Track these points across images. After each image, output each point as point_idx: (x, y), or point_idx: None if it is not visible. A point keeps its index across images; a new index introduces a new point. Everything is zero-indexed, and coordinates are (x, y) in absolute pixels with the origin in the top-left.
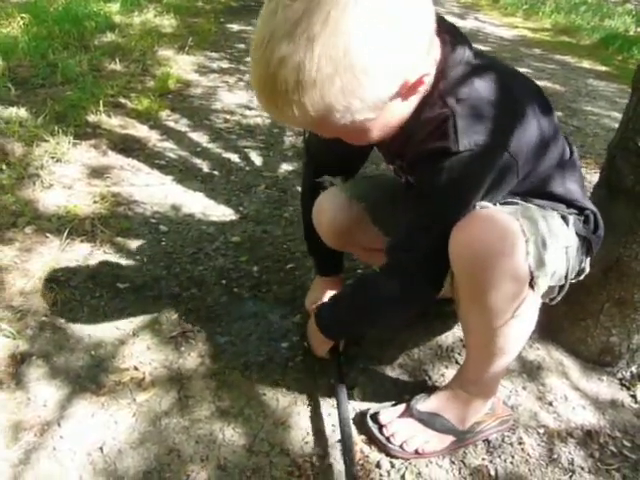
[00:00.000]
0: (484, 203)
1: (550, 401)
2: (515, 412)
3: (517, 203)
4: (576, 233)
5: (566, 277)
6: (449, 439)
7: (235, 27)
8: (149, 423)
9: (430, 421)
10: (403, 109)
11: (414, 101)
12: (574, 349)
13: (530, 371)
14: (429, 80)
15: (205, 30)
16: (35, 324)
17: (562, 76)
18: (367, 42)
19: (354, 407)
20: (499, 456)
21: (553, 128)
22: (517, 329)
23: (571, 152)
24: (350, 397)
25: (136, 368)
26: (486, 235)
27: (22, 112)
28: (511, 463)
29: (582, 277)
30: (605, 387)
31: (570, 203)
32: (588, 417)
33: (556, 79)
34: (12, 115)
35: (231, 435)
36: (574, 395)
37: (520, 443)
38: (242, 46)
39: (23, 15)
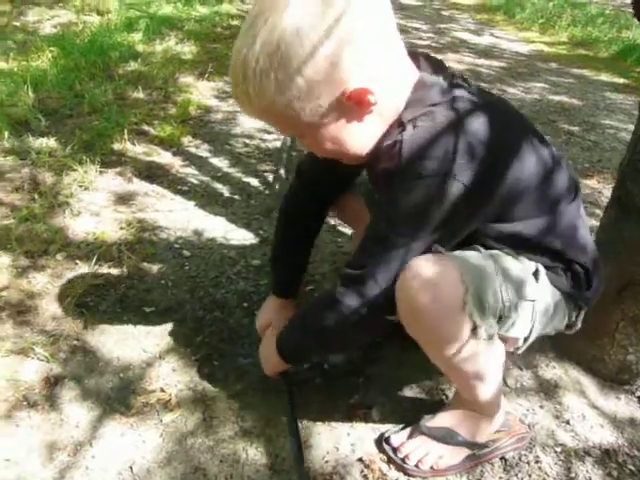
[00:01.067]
0: (437, 247)
1: (567, 420)
2: (532, 430)
3: (479, 250)
4: (557, 288)
5: (531, 330)
6: (463, 453)
7: None
8: (175, 443)
9: (441, 435)
10: (358, 129)
11: (373, 124)
12: (591, 368)
13: (547, 390)
14: (385, 104)
15: (224, 56)
16: (67, 348)
17: (579, 90)
18: (302, 43)
19: (373, 427)
20: (516, 475)
21: (542, 170)
22: (475, 370)
23: (575, 196)
24: (369, 417)
25: (162, 390)
26: (425, 292)
27: (52, 142)
28: None
29: (573, 331)
30: (623, 405)
31: (557, 255)
32: (606, 436)
33: (573, 93)
34: (43, 145)
35: (254, 454)
36: (592, 413)
37: (537, 462)
38: None
39: (52, 48)
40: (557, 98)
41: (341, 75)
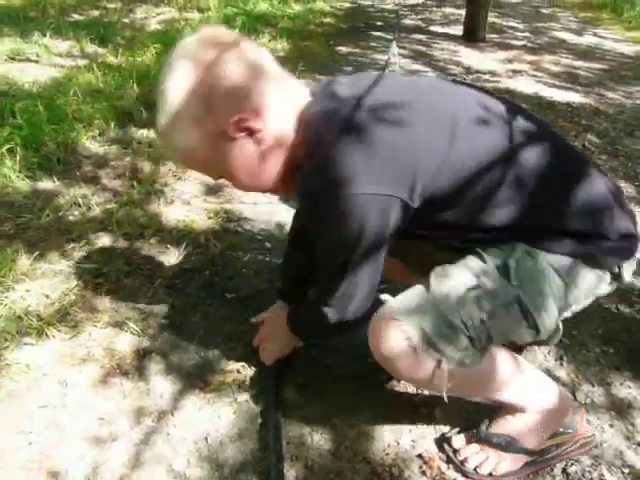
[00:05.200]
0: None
1: (639, 442)
2: (599, 449)
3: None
4: (566, 254)
5: (534, 320)
6: (522, 460)
7: (344, 49)
8: (247, 421)
9: (499, 443)
10: (256, 161)
11: (272, 158)
12: None
13: (620, 409)
14: (273, 134)
15: (315, 53)
16: (156, 324)
17: None
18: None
19: (435, 426)
20: None
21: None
22: (476, 389)
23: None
24: (431, 415)
25: (238, 371)
26: (384, 350)
27: (151, 133)
28: None
29: (623, 284)
30: None
31: (540, 228)
32: None
33: None
34: (143, 136)
35: (319, 439)
36: None
37: None
38: (349, 68)
39: (156, 45)
40: None
41: (221, 111)
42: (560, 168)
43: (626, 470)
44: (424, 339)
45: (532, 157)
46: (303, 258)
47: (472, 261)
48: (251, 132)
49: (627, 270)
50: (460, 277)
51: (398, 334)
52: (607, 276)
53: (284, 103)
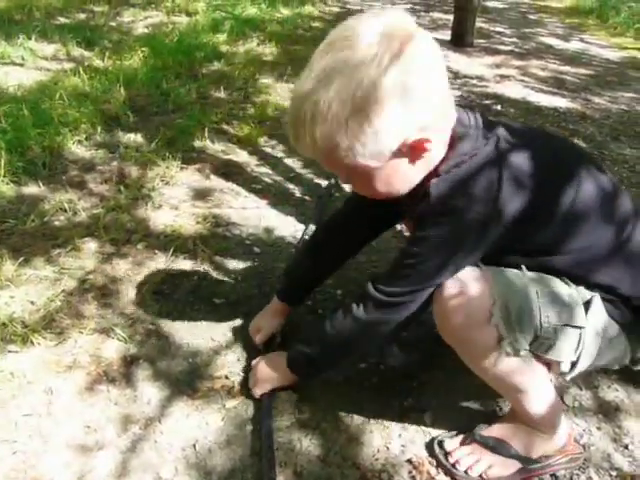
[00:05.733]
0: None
1: (626, 444)
2: (587, 451)
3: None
4: (616, 321)
5: (578, 358)
6: (514, 466)
7: None
8: (236, 427)
9: (493, 446)
10: (408, 172)
11: (421, 168)
12: None
13: (607, 412)
14: (435, 151)
15: (304, 58)
16: (143, 331)
17: None
18: (376, 95)
19: (424, 430)
20: None
21: (601, 194)
22: (514, 385)
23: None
24: (421, 420)
25: (227, 377)
26: (457, 307)
27: (138, 138)
28: None
29: (638, 367)
30: None
31: (610, 290)
32: None
33: None
34: (130, 140)
35: (308, 445)
36: None
37: None
38: None
39: (143, 48)
40: None
41: (405, 125)
42: None
43: (613, 473)
44: (504, 312)
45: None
46: (314, 264)
47: (562, 280)
48: (422, 149)
49: None
50: (555, 281)
51: (485, 293)
52: (628, 357)
53: (447, 119)
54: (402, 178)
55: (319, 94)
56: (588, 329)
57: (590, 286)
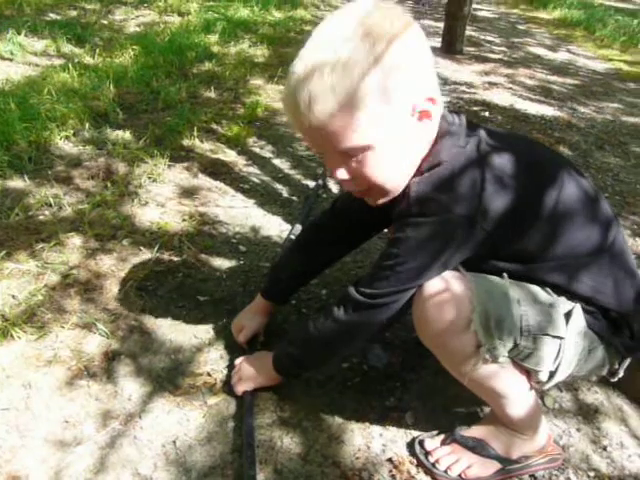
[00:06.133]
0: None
1: (604, 446)
2: (566, 452)
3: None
4: (595, 332)
5: (557, 368)
6: (494, 466)
7: None
8: (217, 424)
9: (473, 446)
10: (403, 156)
11: (415, 152)
12: (636, 397)
13: (586, 414)
14: (430, 134)
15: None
16: (126, 326)
17: None
18: (382, 66)
19: (405, 431)
20: None
21: (584, 196)
22: (492, 390)
23: (613, 242)
24: (402, 420)
25: (209, 374)
26: (436, 311)
27: (127, 135)
28: None
29: (615, 379)
30: None
31: (589, 302)
32: None
33: None
34: (118, 137)
35: (289, 443)
36: (631, 442)
37: None
38: None
39: (134, 47)
40: (632, 120)
41: (414, 91)
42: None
43: (592, 473)
44: (483, 319)
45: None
46: (300, 264)
47: (544, 290)
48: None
49: (622, 368)
50: (537, 290)
51: (466, 299)
52: (606, 368)
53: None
54: (396, 163)
55: (323, 65)
56: (568, 340)
57: (571, 296)
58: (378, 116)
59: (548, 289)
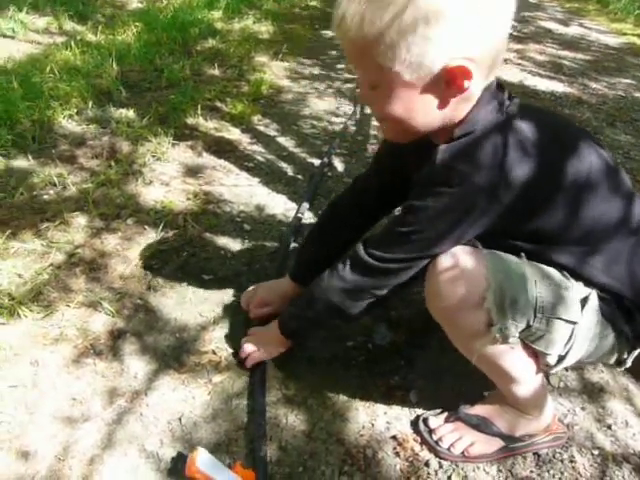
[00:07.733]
0: (475, 241)
1: (609, 424)
2: (570, 431)
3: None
4: (608, 320)
5: (567, 352)
6: (497, 444)
7: (329, 33)
8: (222, 402)
9: (477, 423)
10: (433, 108)
11: (445, 112)
12: None
13: (591, 392)
14: (465, 100)
15: (300, 36)
16: (131, 305)
17: None
18: (443, 4)
19: (409, 409)
20: (548, 471)
21: (605, 168)
22: (501, 369)
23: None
24: (406, 398)
25: (214, 352)
26: (449, 284)
27: (130, 113)
28: (559, 479)
29: (622, 368)
30: None
31: (605, 288)
32: None
33: None
34: (122, 116)
35: (293, 421)
36: (636, 421)
37: (572, 461)
38: (334, 53)
39: (137, 23)
40: None
41: (456, 45)
42: None
43: (596, 452)
44: (497, 297)
45: None
46: (324, 244)
47: (561, 273)
48: (457, 84)
49: (631, 358)
50: (554, 273)
51: (481, 275)
52: (615, 357)
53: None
54: (424, 111)
55: None
56: (581, 325)
57: (587, 283)
58: (416, 48)
59: (565, 272)
